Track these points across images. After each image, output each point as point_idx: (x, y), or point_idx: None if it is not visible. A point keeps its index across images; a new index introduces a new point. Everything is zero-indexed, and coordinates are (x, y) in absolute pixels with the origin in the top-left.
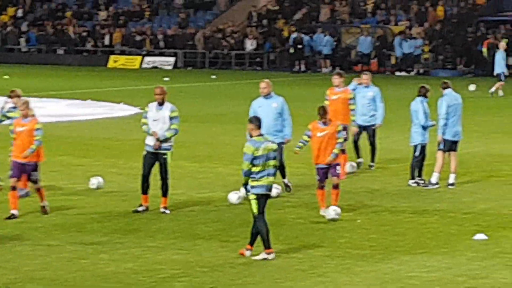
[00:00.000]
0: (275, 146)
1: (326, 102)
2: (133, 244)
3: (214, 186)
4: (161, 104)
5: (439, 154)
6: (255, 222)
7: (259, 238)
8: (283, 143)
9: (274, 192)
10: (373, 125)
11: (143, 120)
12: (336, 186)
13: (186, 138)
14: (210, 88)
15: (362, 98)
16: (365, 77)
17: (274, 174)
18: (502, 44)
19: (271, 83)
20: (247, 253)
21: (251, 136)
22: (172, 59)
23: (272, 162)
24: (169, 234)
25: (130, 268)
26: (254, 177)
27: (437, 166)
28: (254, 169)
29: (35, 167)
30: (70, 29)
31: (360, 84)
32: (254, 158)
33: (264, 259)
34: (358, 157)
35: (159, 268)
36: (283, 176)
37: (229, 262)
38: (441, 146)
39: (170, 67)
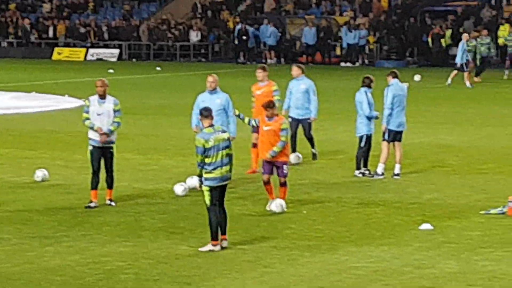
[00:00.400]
0: (226, 136)
1: (253, 99)
2: (79, 237)
3: (160, 178)
4: (103, 97)
5: (384, 144)
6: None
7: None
8: None
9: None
10: (308, 118)
11: (85, 115)
12: (283, 184)
13: (131, 130)
14: (155, 80)
15: (295, 92)
16: (294, 69)
17: (228, 164)
18: (465, 35)
19: (217, 78)
20: (224, 243)
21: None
22: (116, 51)
23: (225, 152)
24: (114, 226)
25: (76, 260)
26: (206, 169)
27: (383, 156)
28: (207, 160)
29: None
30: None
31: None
32: (206, 150)
33: (210, 250)
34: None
35: (105, 261)
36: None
37: (175, 254)
38: (386, 137)
39: (114, 59)
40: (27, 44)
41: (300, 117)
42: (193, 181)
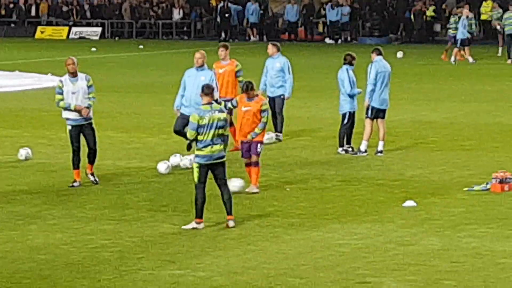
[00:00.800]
0: (223, 115)
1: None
2: (63, 215)
3: (143, 156)
4: (74, 75)
5: (367, 122)
6: (203, 193)
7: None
8: None
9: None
10: (281, 95)
11: (58, 96)
12: (255, 164)
13: (113, 109)
14: (138, 58)
15: (270, 70)
16: (270, 47)
17: (221, 143)
18: (465, 11)
19: (205, 55)
20: (230, 223)
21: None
22: (99, 29)
23: (218, 131)
24: (98, 204)
25: (60, 238)
26: (198, 146)
27: (366, 134)
28: (199, 137)
29: None
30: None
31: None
32: (199, 126)
33: (194, 228)
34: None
35: (89, 239)
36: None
37: (159, 232)
38: (369, 114)
39: (97, 38)
40: (8, 24)
41: (274, 95)
42: (176, 159)
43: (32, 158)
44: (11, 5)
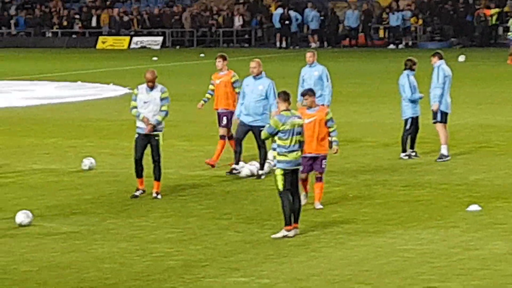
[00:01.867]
0: (301, 121)
1: (211, 87)
2: (126, 224)
3: (205, 164)
4: (151, 85)
5: (440, 126)
6: (289, 200)
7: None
8: (263, 127)
9: (244, 172)
10: (322, 104)
11: (133, 103)
12: (319, 179)
13: (176, 117)
14: (199, 67)
15: (308, 79)
16: (308, 55)
17: (299, 149)
18: None
19: (261, 63)
20: (295, 231)
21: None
22: (160, 39)
23: (297, 137)
24: (161, 213)
25: (124, 248)
26: (282, 152)
27: (444, 137)
28: (282, 143)
29: None
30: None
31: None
32: (280, 132)
33: (284, 236)
34: None
35: (153, 247)
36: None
37: (223, 240)
38: (439, 118)
39: (158, 47)
40: (70, 34)
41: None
42: (238, 167)
43: (96, 168)
44: (73, 16)
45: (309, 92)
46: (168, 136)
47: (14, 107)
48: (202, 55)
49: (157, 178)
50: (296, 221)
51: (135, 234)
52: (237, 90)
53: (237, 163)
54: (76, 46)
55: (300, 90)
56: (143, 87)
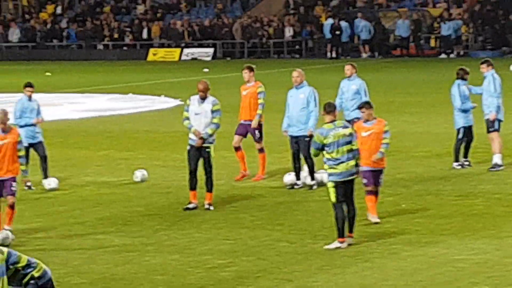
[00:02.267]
0: (347, 131)
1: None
2: (179, 236)
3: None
4: (203, 97)
5: (495, 135)
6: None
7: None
8: (306, 136)
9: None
10: (356, 118)
11: (185, 114)
12: (375, 193)
13: (226, 129)
14: None
15: (346, 92)
16: (349, 68)
17: (351, 159)
18: None
19: (303, 73)
20: (349, 240)
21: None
22: (211, 50)
23: (345, 148)
24: (214, 224)
25: (177, 259)
26: (331, 164)
27: (498, 147)
28: (329, 156)
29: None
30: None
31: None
32: (325, 146)
33: (337, 247)
34: None
35: (205, 259)
36: (311, 175)
37: (275, 251)
38: (496, 126)
39: (209, 58)
40: (121, 46)
41: (349, 119)
42: (291, 177)
43: (148, 180)
44: (124, 28)
45: (366, 105)
46: (219, 148)
47: (66, 119)
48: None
49: (209, 189)
50: (350, 231)
51: (187, 245)
52: (260, 101)
53: (298, 179)
54: (127, 58)
55: (338, 101)
56: (195, 98)
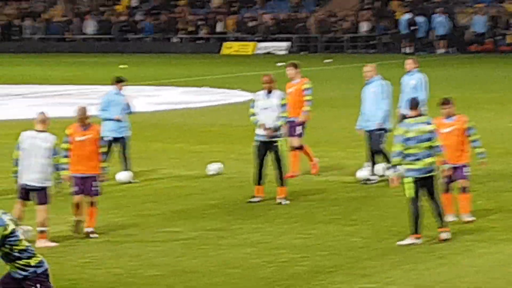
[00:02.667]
0: (429, 128)
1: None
2: (253, 229)
3: (331, 170)
4: (269, 91)
5: None
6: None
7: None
8: (376, 130)
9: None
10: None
11: (251, 110)
12: (464, 190)
13: None
14: (324, 72)
15: (405, 86)
16: (407, 62)
17: (430, 156)
18: None
19: (375, 67)
20: (443, 235)
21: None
22: (285, 44)
23: (424, 144)
24: (287, 219)
25: (250, 253)
26: (409, 160)
27: None
28: (408, 151)
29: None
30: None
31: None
32: (406, 139)
33: (411, 244)
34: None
35: (279, 253)
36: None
37: (349, 246)
38: None
39: (283, 52)
40: (195, 40)
41: (406, 113)
42: (364, 172)
43: (222, 173)
44: (198, 22)
45: (448, 101)
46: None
47: (141, 112)
48: (328, 60)
49: (281, 184)
50: (441, 226)
51: (261, 239)
52: (306, 98)
53: (373, 174)
54: (201, 51)
55: (401, 97)
56: (261, 93)
